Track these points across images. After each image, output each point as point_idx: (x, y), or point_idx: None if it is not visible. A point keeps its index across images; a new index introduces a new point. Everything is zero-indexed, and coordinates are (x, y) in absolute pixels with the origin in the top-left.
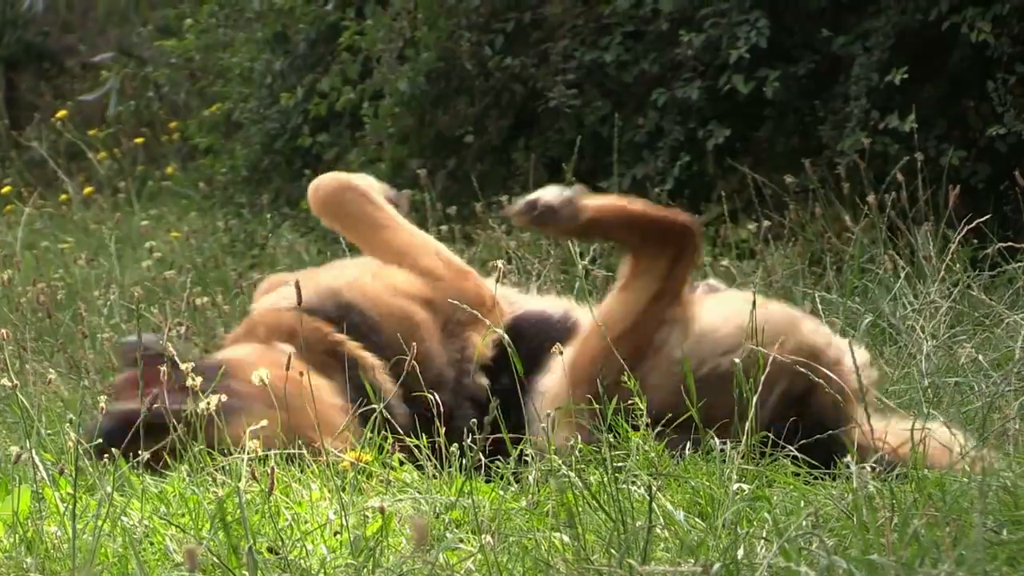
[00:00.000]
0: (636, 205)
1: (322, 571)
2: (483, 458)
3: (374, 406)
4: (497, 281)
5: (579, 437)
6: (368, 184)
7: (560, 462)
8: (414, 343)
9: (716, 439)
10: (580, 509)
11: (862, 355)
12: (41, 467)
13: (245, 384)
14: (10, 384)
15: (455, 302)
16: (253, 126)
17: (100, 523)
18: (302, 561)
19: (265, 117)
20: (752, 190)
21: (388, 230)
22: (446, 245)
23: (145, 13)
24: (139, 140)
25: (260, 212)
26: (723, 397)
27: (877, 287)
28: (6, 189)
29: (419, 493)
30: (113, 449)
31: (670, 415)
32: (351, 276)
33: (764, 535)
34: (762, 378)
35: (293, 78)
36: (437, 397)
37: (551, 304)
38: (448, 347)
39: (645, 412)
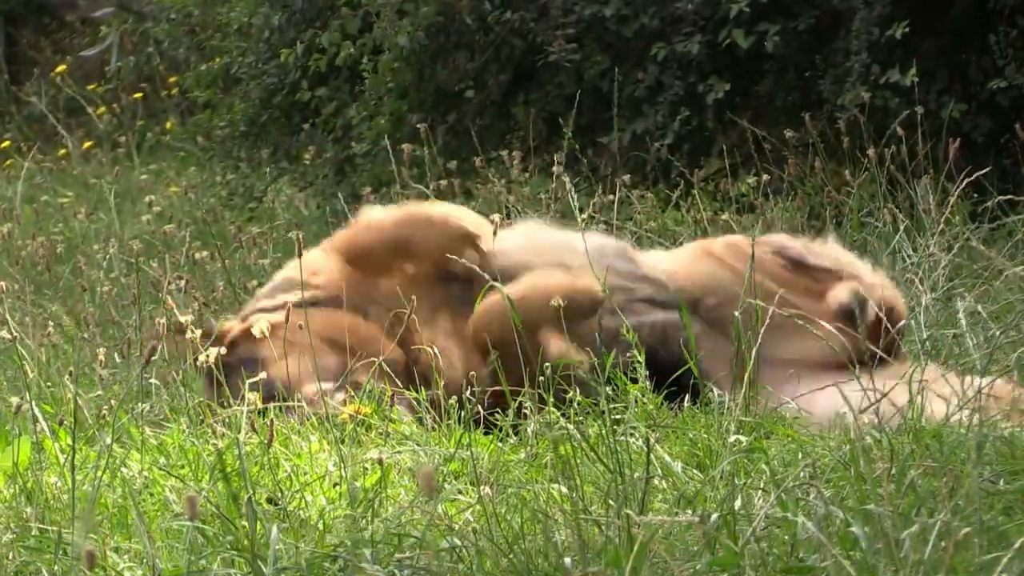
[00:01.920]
0: None
1: (321, 522)
2: (482, 411)
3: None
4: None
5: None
6: None
7: (559, 414)
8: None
9: (715, 390)
10: (578, 461)
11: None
12: (41, 418)
13: None
14: (9, 336)
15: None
16: (251, 81)
17: (100, 474)
18: (301, 512)
19: (263, 72)
20: (752, 144)
21: None
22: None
23: None
24: (138, 95)
25: (258, 166)
26: None
27: (876, 240)
28: (6, 144)
29: (418, 445)
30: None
31: None
32: None
33: (761, 486)
34: None
35: (291, 33)
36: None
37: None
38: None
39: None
